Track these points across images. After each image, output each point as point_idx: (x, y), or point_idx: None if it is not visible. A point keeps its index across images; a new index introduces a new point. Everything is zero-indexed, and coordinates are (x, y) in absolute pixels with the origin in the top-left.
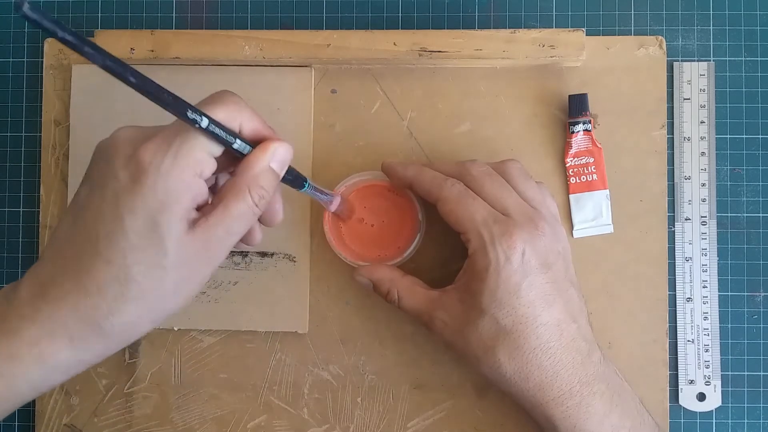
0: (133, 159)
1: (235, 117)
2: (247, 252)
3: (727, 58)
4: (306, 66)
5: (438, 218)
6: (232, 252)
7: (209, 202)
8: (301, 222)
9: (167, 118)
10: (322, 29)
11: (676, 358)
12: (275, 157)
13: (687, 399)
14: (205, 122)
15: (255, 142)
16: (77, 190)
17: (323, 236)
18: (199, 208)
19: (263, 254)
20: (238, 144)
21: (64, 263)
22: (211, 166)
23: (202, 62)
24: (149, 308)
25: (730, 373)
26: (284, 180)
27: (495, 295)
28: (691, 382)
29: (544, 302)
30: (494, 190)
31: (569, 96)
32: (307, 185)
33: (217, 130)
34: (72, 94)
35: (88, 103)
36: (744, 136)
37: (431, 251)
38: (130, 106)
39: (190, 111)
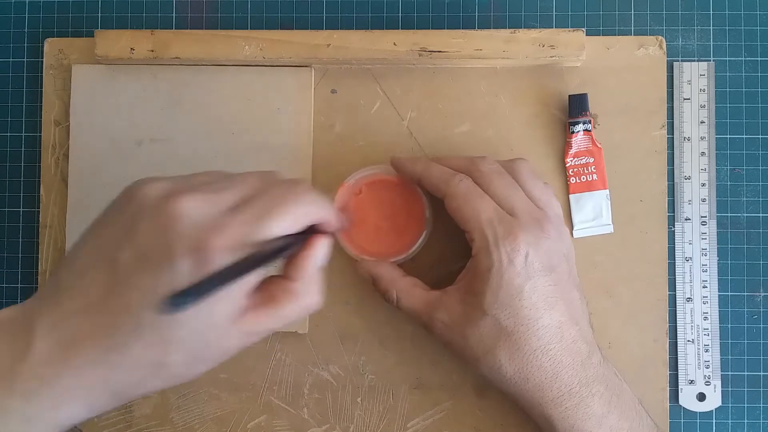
0: (200, 255)
1: (298, 224)
2: None
3: (727, 58)
4: (306, 66)
5: (443, 216)
6: None
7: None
8: None
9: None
10: (322, 29)
11: (676, 358)
12: (322, 258)
13: (687, 399)
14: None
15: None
16: (106, 232)
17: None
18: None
19: None
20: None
21: (94, 329)
22: None
23: (202, 62)
24: (172, 383)
25: (730, 373)
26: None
27: (497, 297)
28: (691, 382)
29: (546, 305)
30: (502, 189)
31: (569, 96)
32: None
33: (270, 260)
34: (72, 94)
35: (88, 103)
36: (744, 136)
37: (435, 249)
38: (129, 106)
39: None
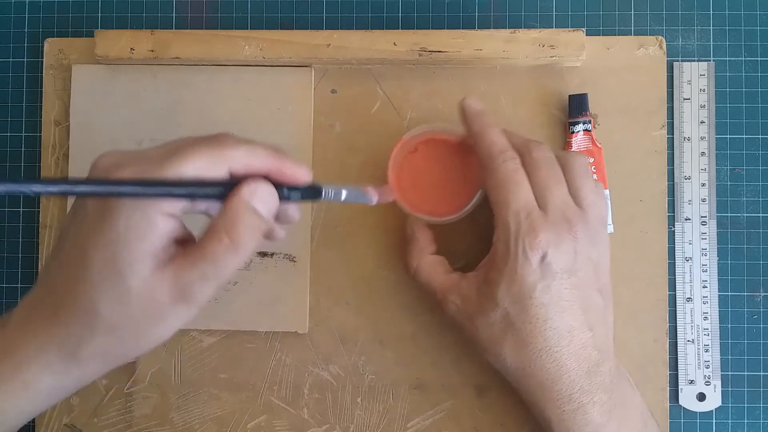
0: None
1: (215, 165)
2: None
3: (727, 58)
4: (306, 66)
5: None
6: None
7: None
8: (302, 222)
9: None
10: (322, 29)
11: (676, 358)
12: (255, 199)
13: (687, 399)
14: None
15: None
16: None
17: (323, 235)
18: (184, 243)
19: (263, 254)
20: (209, 192)
21: (47, 291)
22: (182, 204)
23: (202, 62)
24: (119, 342)
25: (730, 373)
26: (292, 200)
27: (510, 290)
28: (691, 382)
29: (558, 307)
30: (545, 180)
31: (569, 96)
32: (324, 195)
33: (177, 191)
34: (72, 94)
35: (88, 103)
36: (744, 136)
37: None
38: (129, 106)
39: (126, 186)
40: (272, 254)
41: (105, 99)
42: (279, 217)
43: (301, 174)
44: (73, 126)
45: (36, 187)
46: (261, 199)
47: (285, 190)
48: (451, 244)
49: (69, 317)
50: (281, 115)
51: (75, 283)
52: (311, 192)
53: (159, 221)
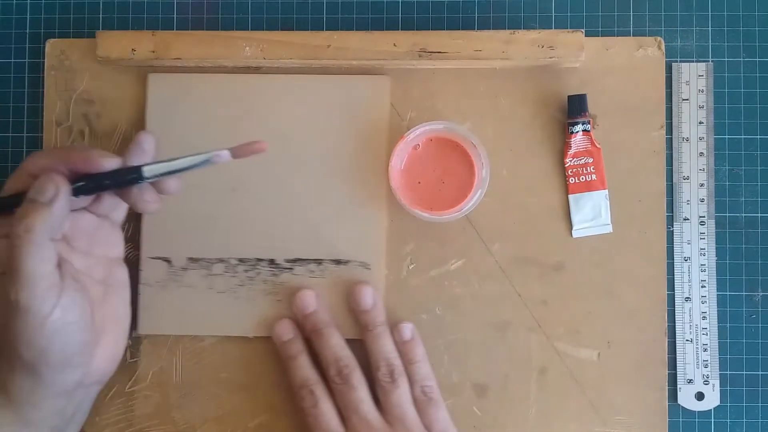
0: None
1: (15, 181)
2: (322, 260)
3: (726, 59)
4: (383, 74)
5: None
6: (307, 260)
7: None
8: (376, 229)
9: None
10: (323, 30)
11: (675, 358)
12: (35, 192)
13: (686, 398)
14: None
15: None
16: None
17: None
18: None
19: (338, 262)
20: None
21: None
22: None
23: (203, 62)
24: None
25: (728, 372)
26: (107, 187)
27: None
28: (690, 381)
29: None
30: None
31: (568, 96)
32: (143, 179)
33: None
34: (148, 102)
35: (164, 111)
36: (742, 137)
37: (430, 248)
38: (204, 114)
39: None
40: (347, 262)
41: (180, 107)
42: (160, 189)
43: (102, 162)
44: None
45: None
46: (40, 190)
47: (92, 179)
48: (449, 243)
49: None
50: (357, 123)
51: None
52: (125, 173)
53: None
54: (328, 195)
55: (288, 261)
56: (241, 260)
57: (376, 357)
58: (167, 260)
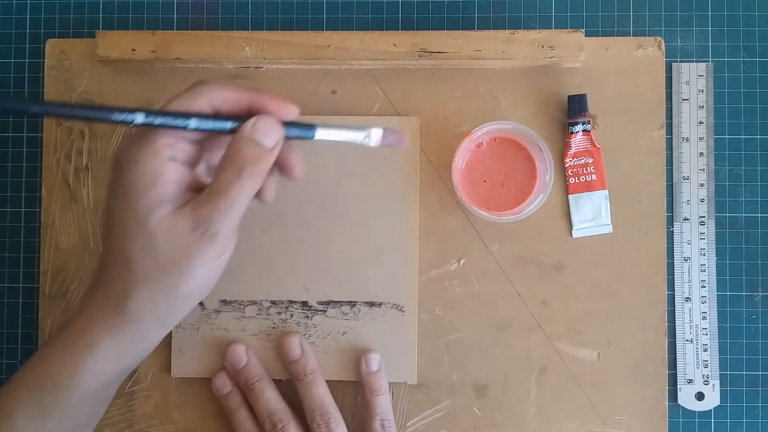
0: (113, 159)
1: (195, 101)
2: (356, 302)
3: (726, 59)
4: (412, 116)
5: (445, 218)
6: (340, 302)
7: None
8: (409, 271)
9: None
10: (323, 30)
11: (675, 358)
12: (255, 131)
13: (686, 398)
14: (139, 118)
15: (244, 115)
16: None
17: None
18: (199, 189)
19: (371, 304)
20: (194, 124)
21: (99, 261)
22: (183, 150)
23: (203, 62)
24: (159, 288)
25: (728, 372)
26: (291, 137)
27: None
28: (690, 381)
29: None
30: None
31: (568, 96)
32: (315, 132)
33: (159, 120)
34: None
35: None
36: (742, 137)
37: (431, 248)
38: None
39: (116, 113)
40: (380, 304)
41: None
42: (282, 169)
43: (286, 109)
44: None
45: (35, 108)
46: (261, 130)
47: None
48: (449, 243)
49: (111, 273)
50: (387, 163)
51: (110, 241)
52: (304, 128)
53: (167, 168)
54: (361, 237)
55: (321, 303)
56: (273, 302)
57: (310, 406)
58: (200, 303)
